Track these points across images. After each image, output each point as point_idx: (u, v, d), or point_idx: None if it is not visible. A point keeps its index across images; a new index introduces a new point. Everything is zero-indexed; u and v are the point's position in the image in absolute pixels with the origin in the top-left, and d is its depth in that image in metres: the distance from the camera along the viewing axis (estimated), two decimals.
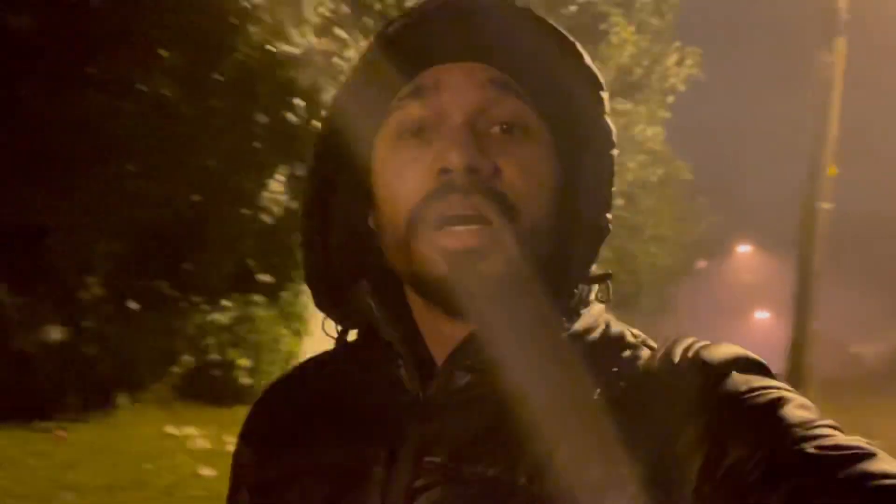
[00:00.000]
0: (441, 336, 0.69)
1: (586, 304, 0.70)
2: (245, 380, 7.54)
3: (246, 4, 5.63)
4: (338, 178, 0.74)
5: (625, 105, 9.09)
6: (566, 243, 0.69)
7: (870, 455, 0.52)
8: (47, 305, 6.21)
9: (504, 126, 0.65)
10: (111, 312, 6.54)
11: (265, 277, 7.66)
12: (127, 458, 5.94)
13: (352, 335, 0.78)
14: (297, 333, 8.32)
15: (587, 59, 0.69)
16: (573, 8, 8.93)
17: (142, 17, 5.71)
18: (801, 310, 10.35)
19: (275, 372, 8.02)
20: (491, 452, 0.62)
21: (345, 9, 5.93)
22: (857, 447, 0.53)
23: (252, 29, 5.70)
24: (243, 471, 0.78)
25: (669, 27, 9.98)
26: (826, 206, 9.76)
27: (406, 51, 0.68)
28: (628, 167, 9.49)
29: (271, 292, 7.86)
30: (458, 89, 0.66)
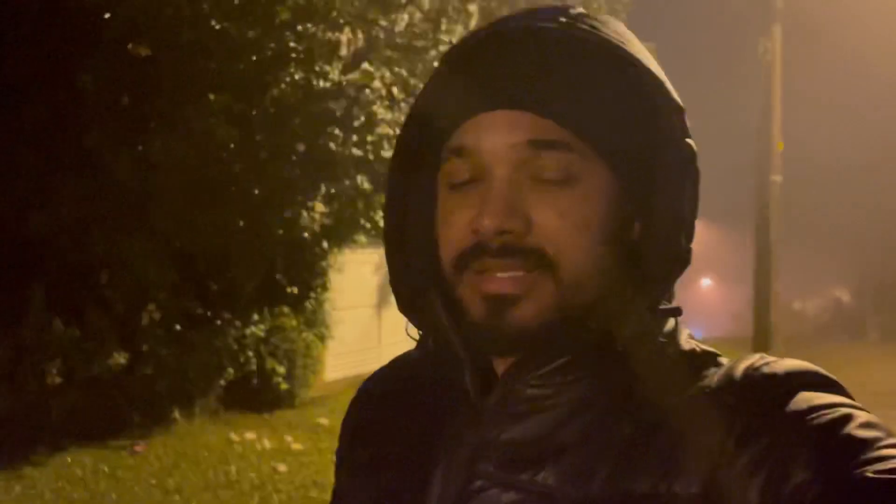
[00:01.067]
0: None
1: (647, 325, 0.68)
2: (283, 386, 8.19)
3: (286, 46, 6.36)
4: (412, 193, 0.76)
5: None
6: (641, 271, 0.68)
7: None
8: (108, 334, 6.77)
9: (546, 174, 0.65)
10: (163, 335, 7.12)
11: (293, 289, 8.35)
12: (208, 463, 6.51)
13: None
14: (322, 338, 8.94)
15: (668, 86, 0.67)
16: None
17: (192, 64, 6.38)
18: (762, 276, 11.57)
19: (307, 376, 8.71)
20: (544, 462, 0.64)
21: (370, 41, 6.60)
22: None
23: (291, 69, 6.41)
24: (340, 456, 0.85)
25: (621, 20, 11.01)
26: (777, 178, 11.01)
27: (455, 90, 0.68)
28: None
29: (297, 302, 8.50)
30: (496, 153, 0.66)
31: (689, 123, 0.68)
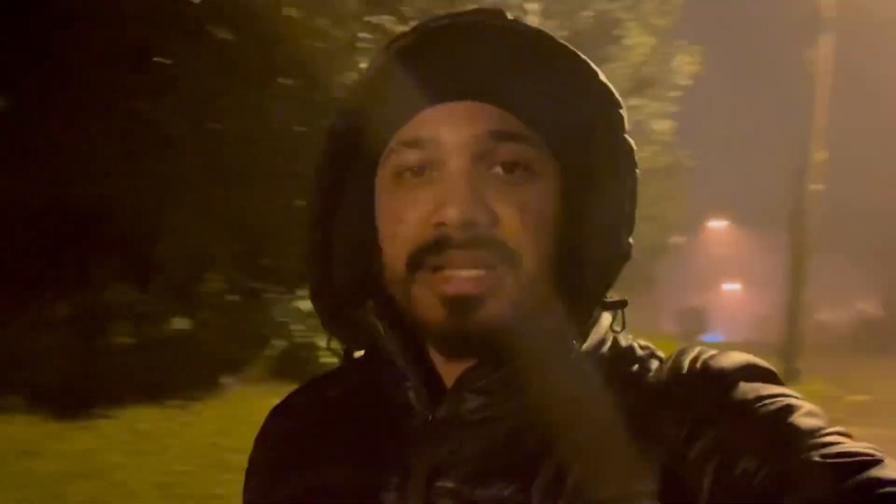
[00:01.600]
0: (448, 360, 0.69)
1: (595, 321, 0.69)
2: (326, 359, 8.58)
3: (354, 36, 6.68)
4: (342, 195, 0.73)
5: (638, 101, 10.31)
6: (585, 267, 0.68)
7: (877, 462, 0.53)
8: (170, 301, 7.20)
9: (505, 165, 0.65)
10: (219, 304, 7.53)
11: None
12: (259, 426, 6.95)
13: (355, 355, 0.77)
14: None
15: (602, 77, 0.67)
16: (589, 14, 10.06)
17: (265, 49, 6.72)
18: (795, 284, 11.78)
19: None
20: (504, 474, 0.62)
21: None
22: (866, 454, 0.53)
23: (356, 59, 6.75)
24: (255, 476, 0.78)
25: (671, 27, 11.19)
26: (817, 187, 11.18)
27: (406, 83, 0.66)
28: (641, 157, 10.74)
29: None
30: (456, 140, 0.64)
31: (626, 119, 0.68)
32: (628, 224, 0.68)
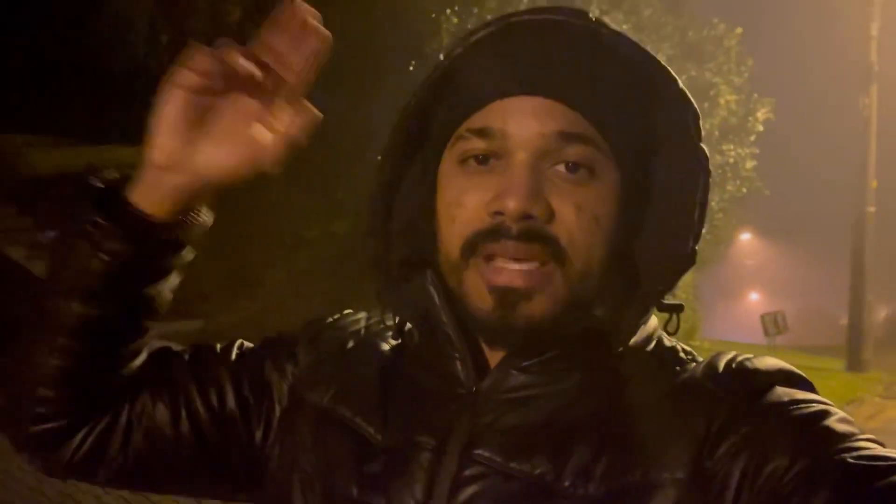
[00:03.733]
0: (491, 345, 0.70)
1: (646, 321, 0.70)
2: None
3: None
4: (406, 172, 0.75)
5: (728, 146, 12.96)
6: (643, 268, 0.70)
7: None
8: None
9: (569, 164, 0.65)
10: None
11: None
12: None
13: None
14: None
15: (680, 85, 0.68)
16: (684, 77, 12.61)
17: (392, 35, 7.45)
18: (856, 295, 13.65)
19: None
20: (539, 452, 0.63)
21: None
22: (895, 458, 0.53)
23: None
24: (297, 363, 0.80)
25: (747, 82, 13.84)
26: (871, 209, 13.80)
27: (480, 73, 0.67)
28: (727, 189, 13.40)
29: None
30: (524, 135, 0.65)
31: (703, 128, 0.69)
32: (696, 232, 0.68)
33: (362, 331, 0.82)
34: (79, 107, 11.81)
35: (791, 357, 13.22)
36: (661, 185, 0.71)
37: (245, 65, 0.61)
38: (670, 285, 0.69)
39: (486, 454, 0.65)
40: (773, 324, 13.19)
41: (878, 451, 0.55)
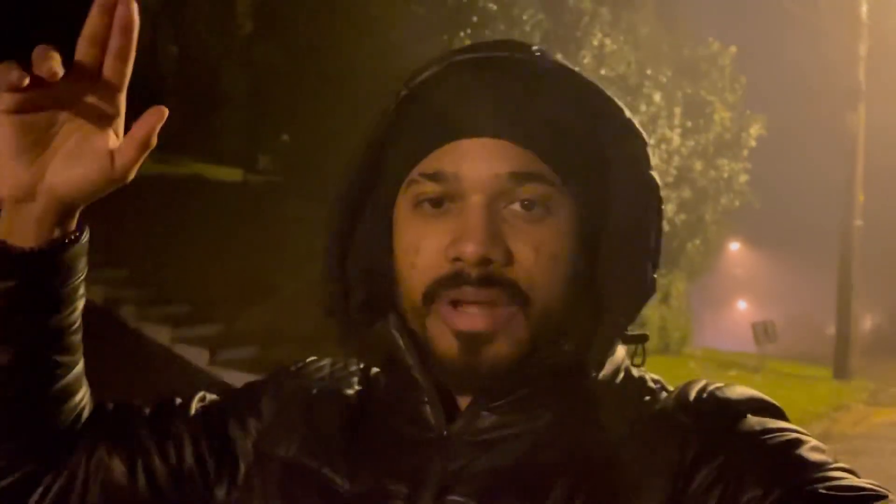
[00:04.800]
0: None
1: (613, 353, 0.69)
2: None
3: None
4: (361, 213, 0.73)
5: (722, 161, 13.42)
6: (608, 300, 0.69)
7: (881, 497, 0.53)
8: None
9: (524, 202, 0.65)
10: None
11: None
12: None
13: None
14: None
15: (627, 114, 0.68)
16: (680, 94, 13.03)
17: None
18: (843, 305, 13.67)
19: None
20: (513, 494, 0.62)
21: None
22: (869, 489, 0.54)
23: None
24: (263, 410, 0.78)
25: (740, 99, 14.34)
26: (859, 223, 14.29)
27: (429, 115, 0.67)
28: (720, 202, 13.83)
29: None
30: (477, 178, 0.64)
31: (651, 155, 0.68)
32: (653, 259, 0.68)
33: (327, 378, 0.80)
34: None
35: (780, 365, 13.54)
36: (615, 215, 0.70)
37: (53, 67, 0.59)
38: (632, 316, 0.69)
39: (461, 500, 0.64)
40: (763, 333, 13.56)
41: (851, 480, 0.55)
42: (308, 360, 0.84)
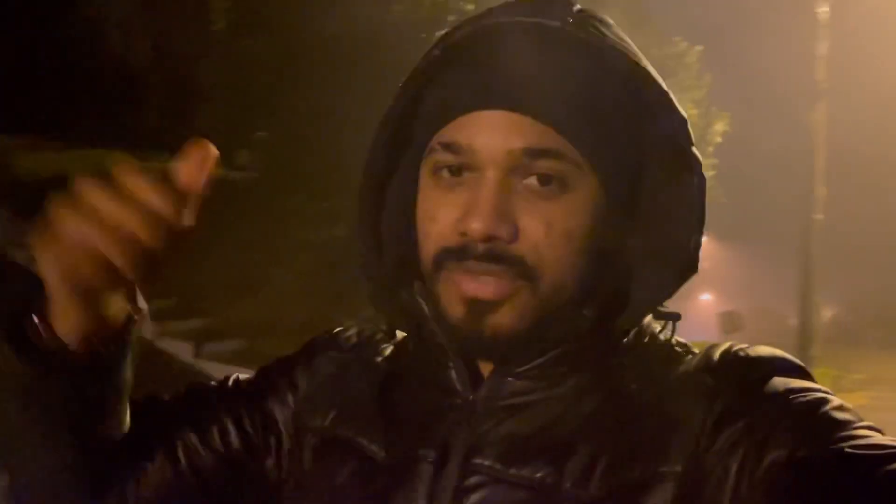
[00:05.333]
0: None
1: (639, 323, 0.70)
2: None
3: None
4: (395, 174, 0.75)
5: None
6: (639, 274, 0.69)
7: None
8: None
9: (540, 177, 0.64)
10: None
11: None
12: None
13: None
14: None
15: (664, 87, 0.66)
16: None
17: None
18: (806, 300, 13.53)
19: None
20: (538, 456, 0.64)
21: None
22: (895, 446, 0.53)
23: None
24: (296, 385, 0.80)
25: (706, 96, 14.72)
26: (819, 217, 14.74)
27: (450, 83, 0.67)
28: None
29: None
30: (490, 155, 0.64)
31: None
32: (696, 238, 0.67)
33: (357, 347, 0.81)
34: (54, 107, 11.68)
35: None
36: (651, 192, 0.69)
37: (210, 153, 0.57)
38: (670, 292, 0.69)
39: (486, 463, 0.65)
40: (729, 321, 13.81)
41: (877, 438, 0.55)
42: (336, 329, 0.85)
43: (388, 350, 0.80)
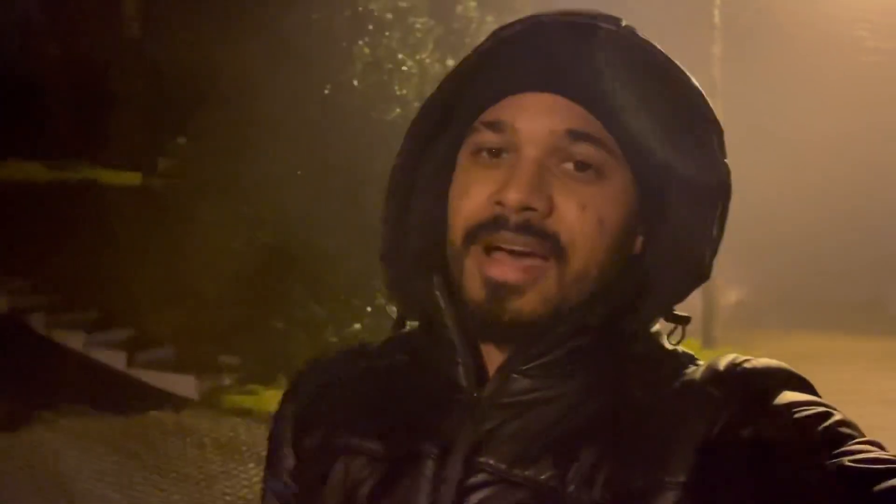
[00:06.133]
0: (487, 342, 0.69)
1: (651, 327, 0.70)
2: None
3: None
4: (424, 166, 0.74)
5: None
6: (654, 276, 0.70)
7: None
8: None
9: (577, 164, 0.65)
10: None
11: None
12: None
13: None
14: None
15: (704, 97, 0.66)
16: None
17: None
18: (707, 287, 15.20)
19: None
20: (542, 458, 0.63)
21: None
22: (895, 461, 0.53)
23: None
24: (286, 430, 0.79)
25: None
26: None
27: (500, 66, 0.67)
28: None
29: None
30: (532, 133, 0.65)
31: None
32: (713, 248, 0.67)
33: (339, 361, 0.81)
34: None
35: None
36: (679, 197, 0.70)
37: None
38: (682, 297, 0.69)
39: (491, 461, 0.65)
40: None
41: (878, 454, 0.55)
42: (315, 358, 0.85)
43: (385, 349, 0.80)
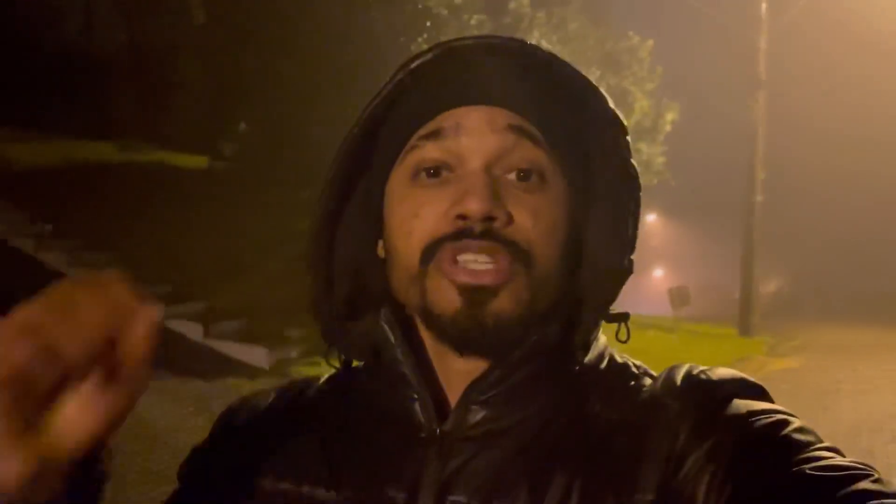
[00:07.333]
0: (452, 372, 0.67)
1: (596, 337, 0.70)
2: None
3: None
4: (346, 205, 0.73)
5: (641, 146, 14.68)
6: (585, 282, 0.70)
7: (866, 475, 0.53)
8: None
9: (520, 173, 0.65)
10: None
11: None
12: None
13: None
14: None
15: (610, 104, 0.68)
16: (605, 85, 14.13)
17: None
18: (747, 272, 14.60)
19: None
20: (515, 488, 0.62)
21: None
22: (855, 468, 0.53)
23: None
24: (208, 467, 0.73)
25: (657, 88, 15.59)
26: (759, 198, 15.84)
27: (428, 90, 0.67)
28: (643, 181, 15.18)
29: None
30: (477, 134, 0.65)
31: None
32: (630, 245, 0.69)
33: (277, 402, 0.77)
34: (17, 94, 11.59)
35: (693, 326, 15.06)
36: (597, 199, 0.71)
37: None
38: (613, 296, 0.69)
39: (463, 499, 0.63)
40: (678, 297, 14.74)
41: (836, 460, 0.55)
42: (244, 396, 0.80)
43: (326, 391, 0.77)
